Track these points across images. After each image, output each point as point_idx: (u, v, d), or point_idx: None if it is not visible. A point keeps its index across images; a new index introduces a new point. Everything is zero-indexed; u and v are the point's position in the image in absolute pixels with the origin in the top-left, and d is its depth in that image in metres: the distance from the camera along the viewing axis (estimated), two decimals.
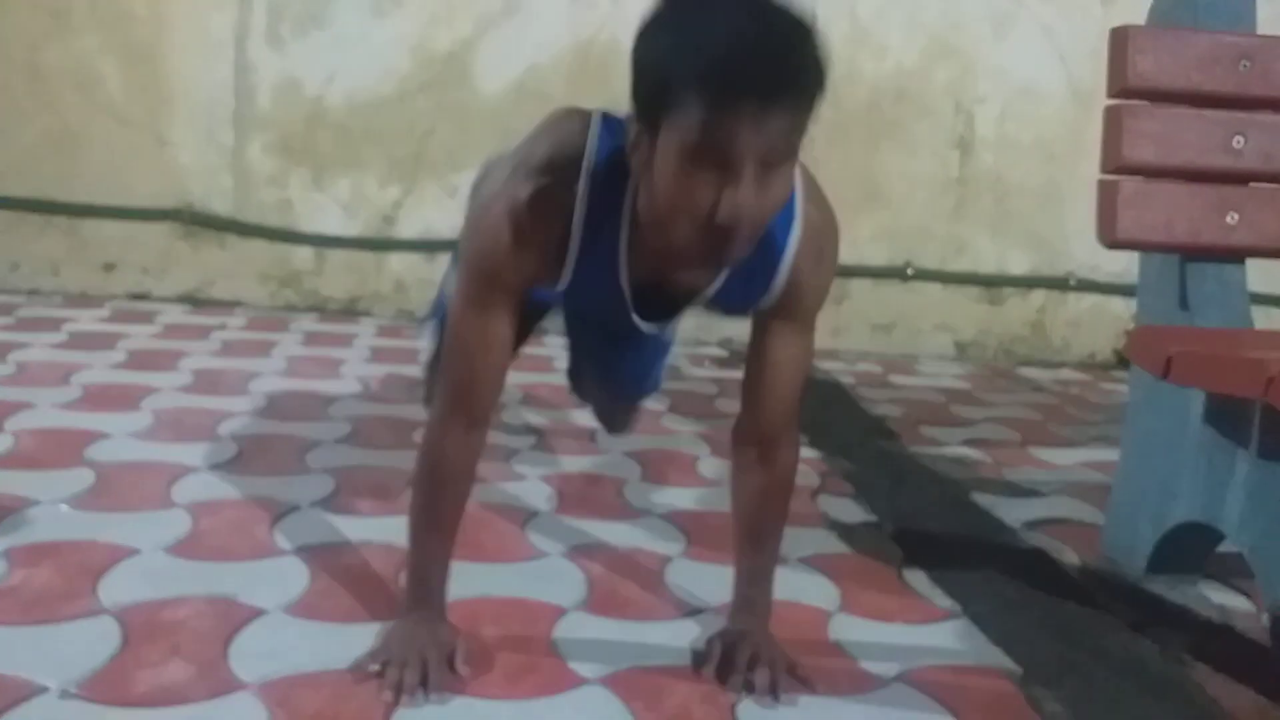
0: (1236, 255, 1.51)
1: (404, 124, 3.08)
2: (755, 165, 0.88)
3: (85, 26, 2.93)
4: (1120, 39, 1.47)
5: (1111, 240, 1.48)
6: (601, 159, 1.01)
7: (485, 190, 1.07)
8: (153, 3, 2.94)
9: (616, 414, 1.79)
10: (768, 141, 0.87)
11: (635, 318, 1.11)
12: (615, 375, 1.60)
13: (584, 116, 1.05)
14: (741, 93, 0.86)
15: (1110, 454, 2.16)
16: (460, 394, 1.10)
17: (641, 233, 1.02)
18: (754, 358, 1.15)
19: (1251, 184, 1.51)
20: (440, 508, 1.14)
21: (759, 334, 1.14)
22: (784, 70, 0.87)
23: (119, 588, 1.22)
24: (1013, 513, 1.82)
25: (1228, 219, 1.48)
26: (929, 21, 3.24)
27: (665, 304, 1.11)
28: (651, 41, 0.91)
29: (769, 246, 1.04)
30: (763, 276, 1.07)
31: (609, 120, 1.04)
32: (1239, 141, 1.47)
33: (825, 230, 1.09)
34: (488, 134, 3.06)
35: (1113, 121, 1.48)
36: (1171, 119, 1.47)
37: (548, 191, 1.00)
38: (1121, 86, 1.47)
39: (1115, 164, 1.47)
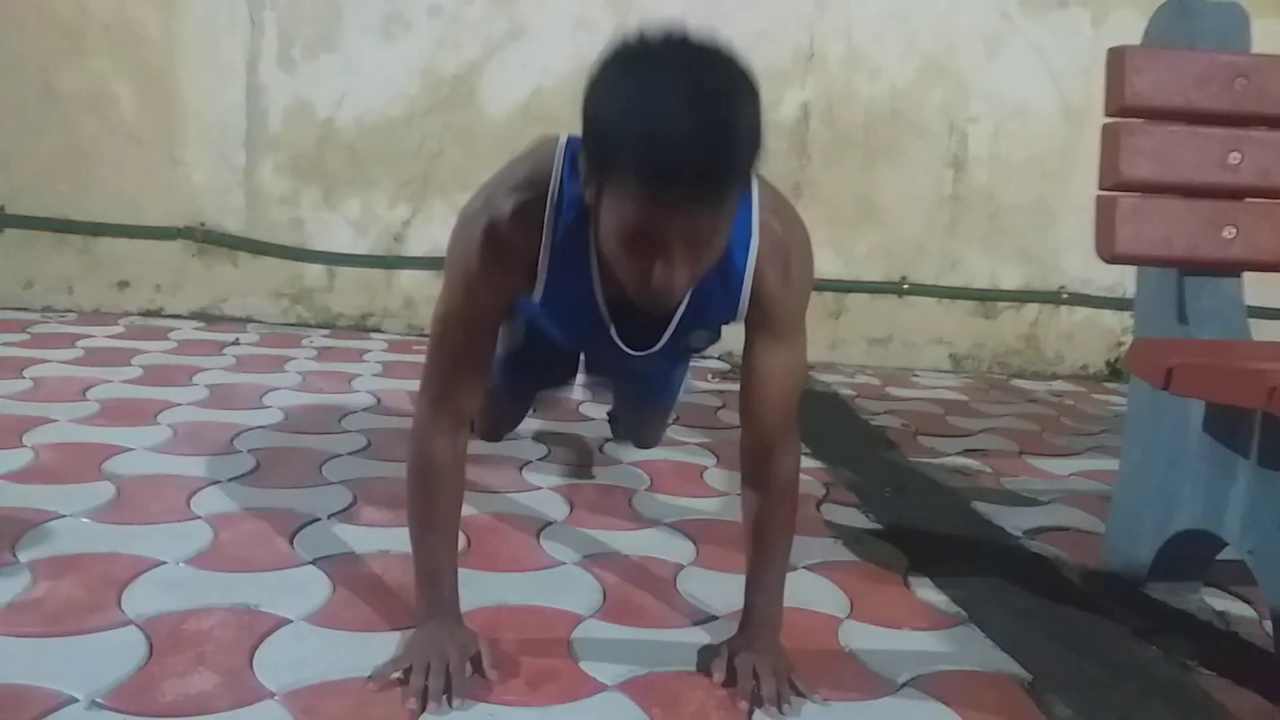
0: (1234, 269, 1.54)
1: (412, 145, 3.12)
2: (685, 246, 0.92)
3: (98, 48, 2.98)
4: (1117, 58, 1.50)
5: (1110, 255, 1.51)
6: (568, 183, 1.05)
7: (466, 210, 1.12)
8: (165, 25, 2.99)
9: (640, 426, 1.88)
10: (696, 229, 0.92)
11: (615, 337, 1.16)
12: (628, 390, 1.68)
13: (553, 142, 1.10)
14: (672, 193, 0.88)
15: (1106, 463, 2.20)
16: (444, 398, 1.15)
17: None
18: (745, 372, 1.18)
19: (1248, 199, 1.54)
20: (437, 510, 1.16)
21: (747, 348, 1.17)
22: (713, 170, 0.88)
23: (142, 599, 1.23)
24: (1014, 521, 1.85)
25: (1225, 233, 1.51)
26: (923, 43, 3.30)
27: (645, 328, 1.16)
28: (599, 99, 0.92)
29: (728, 266, 1.08)
30: (726, 292, 1.12)
31: (575, 142, 1.05)
32: (1235, 158, 1.51)
33: (789, 241, 1.11)
34: (494, 155, 3.06)
35: (1110, 139, 1.51)
36: (1168, 136, 1.51)
37: (520, 209, 1.06)
38: (1119, 105, 1.50)
39: (1113, 180, 1.50)
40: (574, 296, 1.13)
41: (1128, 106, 1.50)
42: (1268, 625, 1.44)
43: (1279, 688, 1.26)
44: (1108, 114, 1.53)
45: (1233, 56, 1.52)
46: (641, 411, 1.80)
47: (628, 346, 1.18)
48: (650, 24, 0.92)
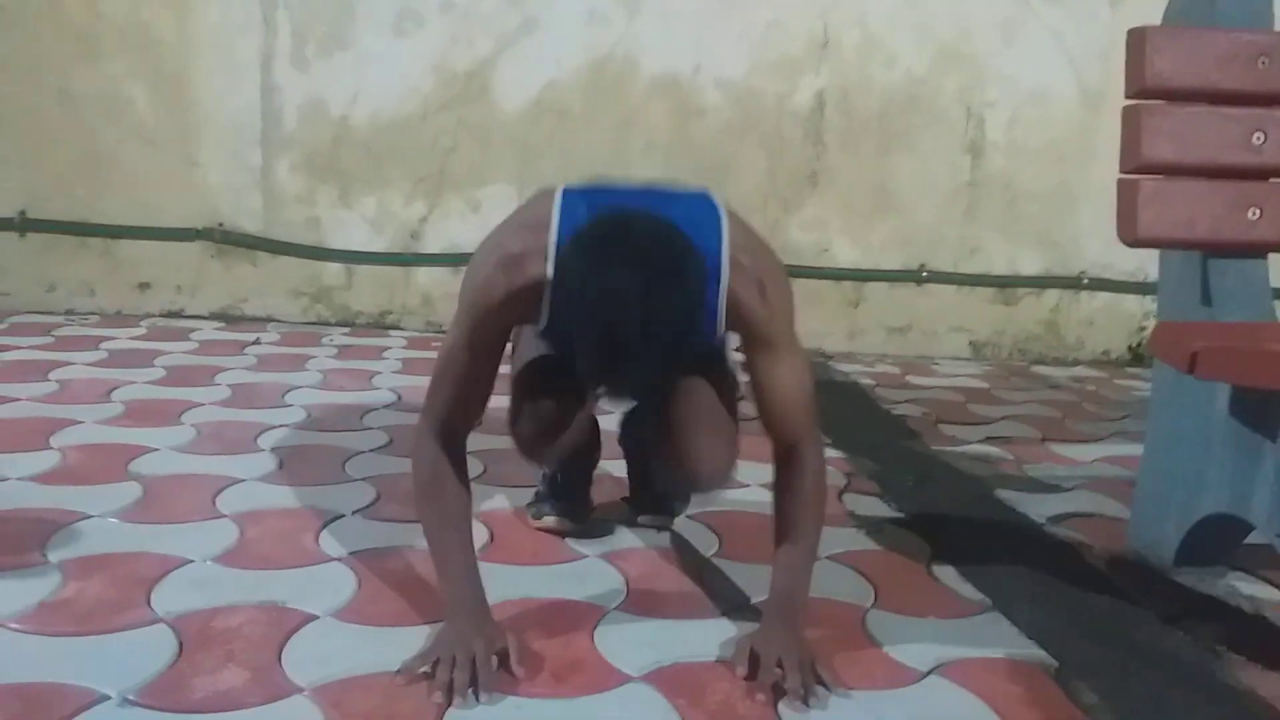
0: (1258, 250, 1.52)
1: (427, 141, 3.13)
2: None
3: (114, 52, 3.00)
4: (1138, 40, 1.49)
5: (1132, 239, 1.49)
6: (563, 232, 1.15)
7: (480, 249, 1.22)
8: (180, 27, 3.01)
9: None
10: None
11: None
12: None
13: (551, 195, 1.21)
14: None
15: (1130, 448, 2.18)
16: (448, 416, 1.23)
17: None
18: (755, 390, 1.24)
19: (1272, 180, 1.52)
20: (448, 509, 1.21)
21: (750, 370, 1.24)
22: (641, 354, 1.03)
23: (171, 597, 1.25)
24: (1037, 508, 1.84)
25: (1249, 215, 1.49)
26: (938, 29, 3.27)
27: None
28: (566, 263, 1.09)
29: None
30: (701, 323, 1.18)
31: (569, 195, 1.19)
32: (1259, 138, 1.49)
33: (761, 270, 1.20)
34: (508, 150, 3.11)
35: (1131, 121, 1.49)
36: (1190, 117, 1.49)
37: (525, 251, 1.17)
38: (1139, 87, 1.49)
39: (1135, 163, 1.49)
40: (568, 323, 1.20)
41: (1148, 88, 1.48)
42: None
43: None
44: (1128, 96, 1.51)
45: (1255, 35, 1.50)
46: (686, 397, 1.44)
47: None
48: (615, 212, 1.08)
